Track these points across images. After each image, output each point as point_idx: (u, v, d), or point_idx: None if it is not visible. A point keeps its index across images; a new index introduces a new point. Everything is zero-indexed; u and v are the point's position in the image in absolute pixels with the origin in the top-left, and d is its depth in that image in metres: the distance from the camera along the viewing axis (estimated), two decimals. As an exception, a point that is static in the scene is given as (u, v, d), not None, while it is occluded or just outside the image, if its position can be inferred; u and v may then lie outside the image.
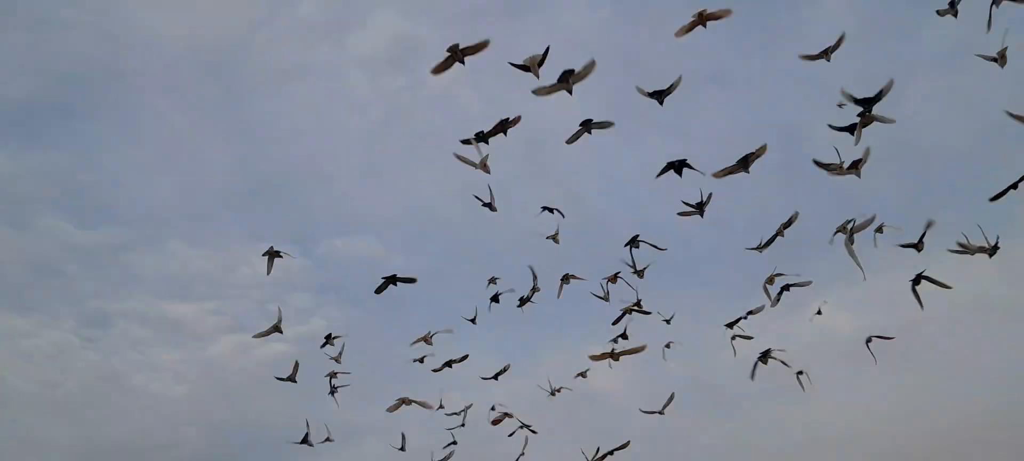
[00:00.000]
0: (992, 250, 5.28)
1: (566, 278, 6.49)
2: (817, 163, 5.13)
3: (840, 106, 4.93)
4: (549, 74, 4.68)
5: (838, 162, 5.07)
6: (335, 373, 6.48)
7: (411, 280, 6.14)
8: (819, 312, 6.46)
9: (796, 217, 5.74)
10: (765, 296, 6.25)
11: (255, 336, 6.23)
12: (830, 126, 4.98)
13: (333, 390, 6.50)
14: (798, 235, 6.12)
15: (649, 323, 6.69)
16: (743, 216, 5.38)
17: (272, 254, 6.11)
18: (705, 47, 5.02)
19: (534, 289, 6.48)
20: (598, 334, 6.71)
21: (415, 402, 6.60)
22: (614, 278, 6.45)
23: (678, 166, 5.21)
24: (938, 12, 4.93)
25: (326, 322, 11.35)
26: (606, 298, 6.54)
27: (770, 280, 6.22)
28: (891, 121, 4.77)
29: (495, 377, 6.91)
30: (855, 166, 5.05)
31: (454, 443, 6.89)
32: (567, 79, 4.69)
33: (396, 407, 6.59)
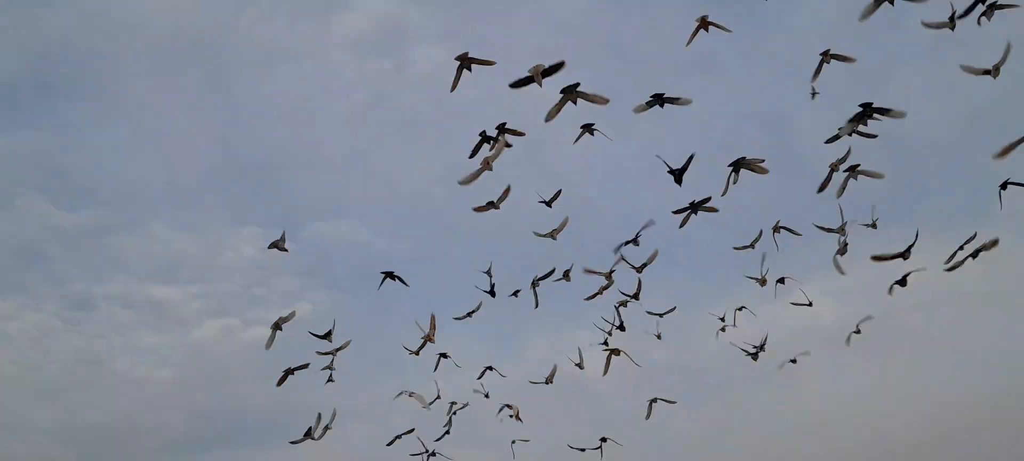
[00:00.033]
0: (992, 244, 5.27)
1: (566, 275, 6.53)
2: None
3: (813, 96, 5.21)
4: (550, 85, 4.64)
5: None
6: (332, 364, 6.46)
7: (404, 283, 6.35)
8: (810, 304, 6.59)
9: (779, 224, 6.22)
10: (759, 269, 6.47)
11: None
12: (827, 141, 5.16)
13: (330, 379, 6.49)
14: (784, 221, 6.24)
15: (635, 311, 6.78)
16: (727, 204, 5.44)
17: (277, 247, 6.13)
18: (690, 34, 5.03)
19: (535, 283, 6.55)
20: (586, 317, 6.79)
21: (415, 395, 6.66)
22: (623, 304, 6.66)
23: (679, 174, 5.22)
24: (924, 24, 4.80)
25: (312, 305, 11.32)
26: (622, 327, 6.72)
27: (763, 281, 6.48)
28: (901, 115, 4.80)
29: (480, 377, 7.00)
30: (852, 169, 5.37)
31: (447, 432, 6.94)
32: (571, 92, 4.73)
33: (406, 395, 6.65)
